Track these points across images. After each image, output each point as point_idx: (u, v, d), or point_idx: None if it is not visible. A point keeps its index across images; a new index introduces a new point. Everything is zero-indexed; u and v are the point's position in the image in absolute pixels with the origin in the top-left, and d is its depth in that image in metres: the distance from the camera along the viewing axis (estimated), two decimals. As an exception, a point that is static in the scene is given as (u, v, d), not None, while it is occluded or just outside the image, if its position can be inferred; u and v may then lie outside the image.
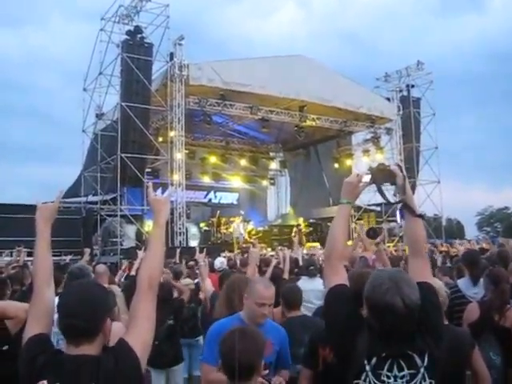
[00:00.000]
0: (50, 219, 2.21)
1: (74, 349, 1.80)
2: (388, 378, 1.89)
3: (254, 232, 23.82)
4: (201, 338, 6.17)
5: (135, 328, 1.88)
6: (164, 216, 2.16)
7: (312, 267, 6.31)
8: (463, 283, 4.40)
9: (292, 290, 4.21)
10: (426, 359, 1.91)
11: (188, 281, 6.53)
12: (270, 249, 17.36)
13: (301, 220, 25.46)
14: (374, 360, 1.90)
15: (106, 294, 1.96)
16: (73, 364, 1.76)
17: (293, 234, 22.68)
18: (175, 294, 5.94)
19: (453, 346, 2.05)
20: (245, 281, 3.84)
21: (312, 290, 5.85)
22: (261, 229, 25.41)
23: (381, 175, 2.20)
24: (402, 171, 2.20)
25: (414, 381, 1.90)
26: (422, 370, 1.90)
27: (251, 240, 14.95)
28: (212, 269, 8.20)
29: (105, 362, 1.78)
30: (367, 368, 1.91)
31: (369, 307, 2.01)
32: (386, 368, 1.90)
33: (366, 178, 2.22)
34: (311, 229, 26.23)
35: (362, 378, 1.91)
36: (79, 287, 1.98)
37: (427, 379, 1.91)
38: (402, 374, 1.90)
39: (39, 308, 2.00)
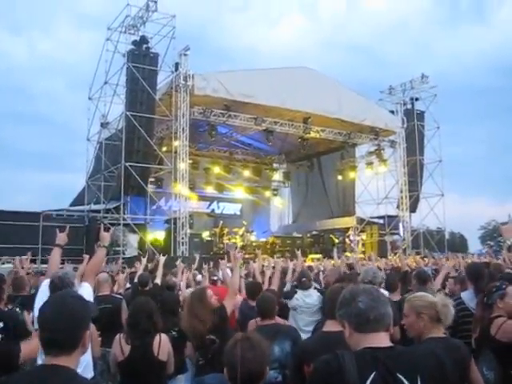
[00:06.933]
0: None
1: (51, 359, 1.84)
2: None
3: (254, 244, 23.94)
4: None
5: None
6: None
7: (304, 279, 6.03)
8: (466, 296, 4.37)
9: (265, 300, 4.29)
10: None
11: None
12: (271, 259, 17.26)
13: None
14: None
15: (84, 306, 1.98)
16: (46, 373, 1.81)
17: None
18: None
19: (455, 358, 1.99)
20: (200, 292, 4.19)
21: (308, 306, 5.59)
22: (263, 240, 25.37)
23: None
24: None
25: None
26: None
27: (256, 252, 14.81)
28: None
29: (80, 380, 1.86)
30: None
31: (342, 304, 1.99)
32: None
33: None
34: (312, 240, 26.29)
35: None
36: (57, 300, 2.01)
37: None
38: None
39: None
